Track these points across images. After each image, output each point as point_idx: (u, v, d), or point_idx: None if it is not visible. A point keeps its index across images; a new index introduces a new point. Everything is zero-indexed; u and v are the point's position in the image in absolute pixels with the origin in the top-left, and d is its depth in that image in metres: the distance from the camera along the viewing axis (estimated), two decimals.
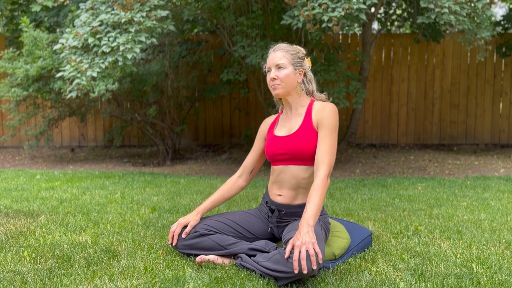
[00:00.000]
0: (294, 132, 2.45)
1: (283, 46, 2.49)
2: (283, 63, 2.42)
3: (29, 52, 5.81)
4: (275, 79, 2.42)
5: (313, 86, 2.54)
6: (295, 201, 2.47)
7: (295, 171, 2.44)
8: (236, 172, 2.72)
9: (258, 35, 5.62)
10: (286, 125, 2.52)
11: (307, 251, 2.05)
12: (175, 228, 2.50)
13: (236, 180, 2.69)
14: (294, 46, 2.51)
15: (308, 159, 2.40)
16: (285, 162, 2.46)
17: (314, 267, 2.03)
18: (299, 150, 2.40)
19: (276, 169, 2.51)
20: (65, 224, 3.13)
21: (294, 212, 2.47)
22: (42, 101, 6.50)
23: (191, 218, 2.52)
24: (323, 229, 2.42)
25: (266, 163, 5.77)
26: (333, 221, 2.76)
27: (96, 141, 7.88)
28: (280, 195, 2.49)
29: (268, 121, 2.68)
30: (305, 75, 2.51)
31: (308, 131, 2.41)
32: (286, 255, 2.10)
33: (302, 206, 2.46)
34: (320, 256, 2.07)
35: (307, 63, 2.52)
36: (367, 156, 6.84)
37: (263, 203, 2.63)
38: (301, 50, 2.51)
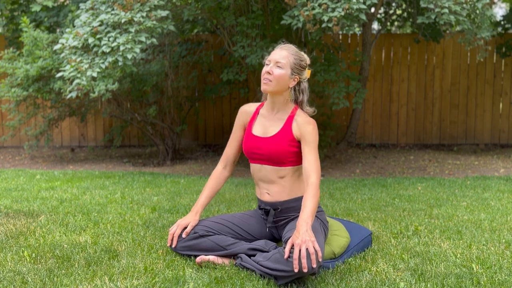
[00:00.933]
0: (271, 136, 2.47)
1: (292, 48, 2.48)
2: (282, 63, 2.42)
3: (29, 52, 5.81)
4: (269, 73, 2.42)
5: (304, 97, 2.53)
6: (283, 196, 2.49)
7: (270, 170, 2.49)
8: (219, 163, 2.71)
9: (258, 35, 5.62)
10: (265, 124, 2.52)
11: (307, 249, 2.05)
12: (175, 230, 2.51)
13: (221, 172, 2.69)
14: (302, 53, 2.51)
15: (280, 162, 2.45)
16: (260, 162, 2.51)
17: (314, 265, 2.03)
18: (273, 153, 2.44)
19: (253, 166, 2.56)
20: (65, 224, 3.13)
21: (289, 208, 2.49)
22: (42, 101, 6.49)
23: (191, 219, 2.53)
24: (322, 227, 2.43)
25: None
26: (332, 220, 2.76)
27: (96, 141, 7.88)
28: (268, 193, 2.51)
29: (248, 110, 2.63)
30: (299, 84, 2.50)
31: (285, 137, 2.44)
32: (286, 255, 2.10)
33: (293, 201, 2.48)
34: (320, 254, 2.07)
35: (306, 74, 2.51)
36: (367, 156, 6.84)
37: (257, 207, 2.65)
38: (306, 60, 2.50)
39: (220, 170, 2.69)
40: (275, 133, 2.47)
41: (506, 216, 3.39)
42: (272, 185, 2.50)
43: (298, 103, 2.53)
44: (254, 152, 2.51)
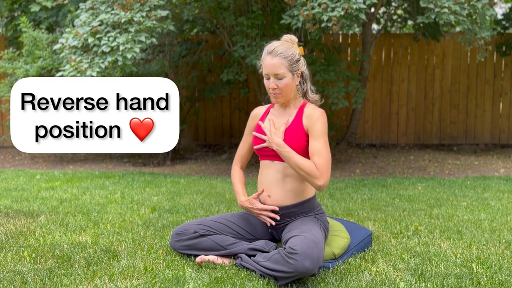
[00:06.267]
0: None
1: (279, 50, 2.39)
2: (282, 73, 2.37)
3: (29, 52, 5.81)
4: (275, 88, 2.40)
5: (308, 85, 2.52)
6: (286, 200, 2.45)
7: (280, 167, 2.44)
8: (235, 164, 2.70)
9: (258, 35, 5.62)
10: (276, 121, 2.50)
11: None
12: (259, 206, 2.47)
13: (240, 170, 2.69)
14: (288, 46, 2.42)
15: None
16: (271, 158, 2.47)
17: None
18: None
19: (262, 164, 2.53)
20: (65, 224, 3.13)
21: (290, 213, 2.46)
22: None
23: (244, 198, 2.52)
24: (322, 228, 2.42)
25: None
26: (332, 220, 2.76)
27: None
28: (269, 196, 2.48)
29: (257, 113, 2.63)
30: (301, 75, 2.49)
31: (296, 130, 2.41)
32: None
33: (296, 206, 2.45)
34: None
35: (302, 60, 2.47)
36: (367, 156, 6.84)
37: None
38: (296, 51, 2.43)
39: (239, 168, 2.69)
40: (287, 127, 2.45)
41: (506, 216, 3.39)
42: (276, 188, 2.45)
43: (304, 94, 2.51)
44: (265, 149, 2.47)
